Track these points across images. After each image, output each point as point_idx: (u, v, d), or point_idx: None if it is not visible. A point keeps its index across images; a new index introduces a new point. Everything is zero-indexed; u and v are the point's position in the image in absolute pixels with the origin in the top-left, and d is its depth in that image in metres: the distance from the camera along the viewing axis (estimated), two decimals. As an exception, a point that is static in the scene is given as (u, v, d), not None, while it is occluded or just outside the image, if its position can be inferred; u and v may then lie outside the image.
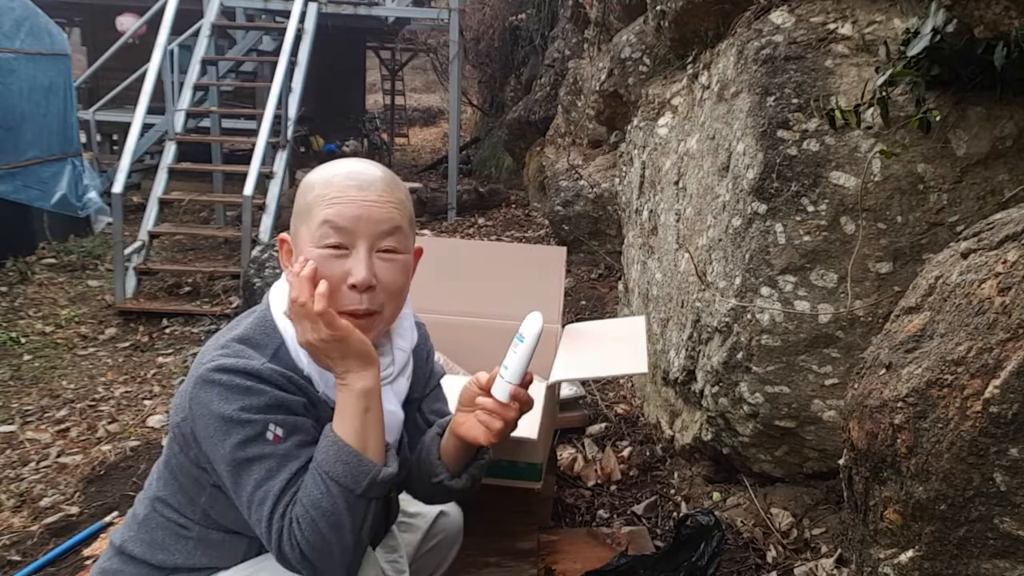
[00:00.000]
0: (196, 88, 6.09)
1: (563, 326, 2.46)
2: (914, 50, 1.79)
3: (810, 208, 1.96)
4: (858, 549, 1.51)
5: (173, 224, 5.77)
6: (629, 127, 3.43)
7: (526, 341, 1.24)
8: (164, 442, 1.28)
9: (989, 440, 1.19)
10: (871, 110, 1.90)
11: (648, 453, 2.63)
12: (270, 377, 1.11)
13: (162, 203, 5.20)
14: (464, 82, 9.04)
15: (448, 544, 1.55)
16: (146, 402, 3.36)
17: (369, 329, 1.16)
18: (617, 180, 3.87)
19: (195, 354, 3.93)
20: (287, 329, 1.16)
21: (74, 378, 3.63)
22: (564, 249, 2.84)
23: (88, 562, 2.12)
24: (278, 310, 1.19)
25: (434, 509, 1.52)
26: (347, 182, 1.14)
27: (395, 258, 1.16)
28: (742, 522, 2.13)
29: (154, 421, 3.15)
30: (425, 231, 6.49)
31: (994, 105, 1.85)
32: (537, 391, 2.01)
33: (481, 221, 7.06)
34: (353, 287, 1.12)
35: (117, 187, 4.81)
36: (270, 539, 1.08)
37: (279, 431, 1.09)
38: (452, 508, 1.56)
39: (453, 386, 2.04)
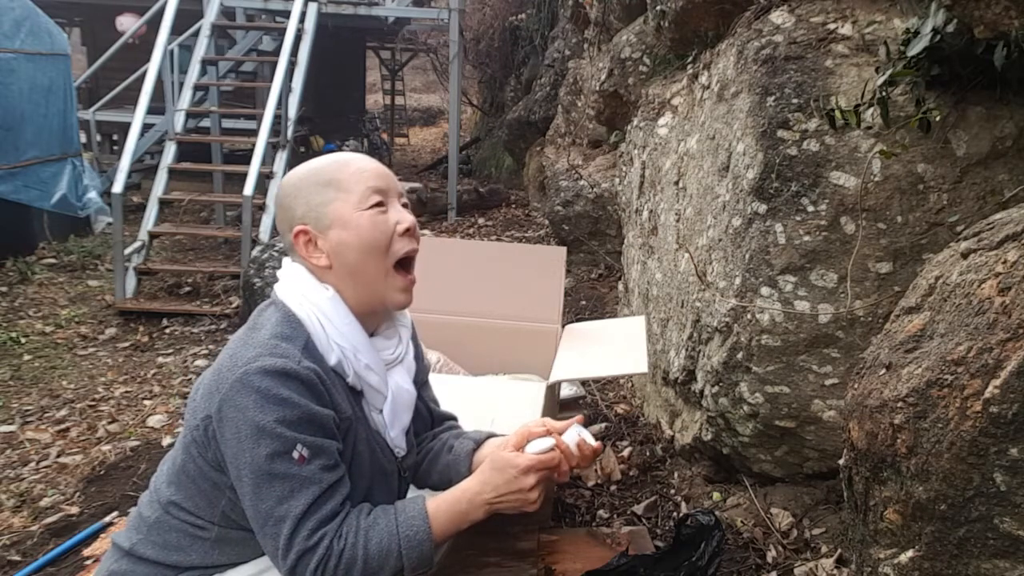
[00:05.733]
0: (196, 88, 6.09)
1: (563, 326, 2.46)
2: (914, 50, 1.79)
3: (810, 208, 1.96)
4: (858, 549, 1.51)
5: (173, 224, 5.76)
6: (629, 127, 3.44)
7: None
8: (176, 446, 1.27)
9: (989, 440, 1.19)
10: (871, 110, 1.90)
11: (648, 453, 2.63)
12: (307, 378, 1.14)
13: (162, 203, 5.19)
14: (464, 82, 9.03)
15: None
16: (146, 402, 3.36)
17: (414, 284, 1.31)
18: (617, 180, 3.87)
19: (195, 354, 3.93)
20: (308, 320, 1.22)
21: (74, 378, 3.63)
22: (564, 249, 2.84)
23: (88, 562, 2.11)
24: (295, 303, 1.23)
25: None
26: (355, 158, 1.29)
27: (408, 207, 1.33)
28: (742, 522, 2.13)
29: (154, 421, 3.15)
30: (425, 231, 6.49)
31: (994, 105, 1.85)
32: (537, 391, 2.01)
33: (481, 221, 7.06)
34: (407, 231, 1.27)
35: (117, 187, 4.81)
36: (286, 556, 1.12)
37: (305, 452, 1.13)
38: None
39: (451, 386, 2.05)
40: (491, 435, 1.44)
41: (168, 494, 1.23)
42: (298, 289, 1.24)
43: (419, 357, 1.47)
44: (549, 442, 1.22)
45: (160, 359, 3.90)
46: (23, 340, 4.06)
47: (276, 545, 1.12)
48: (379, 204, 1.25)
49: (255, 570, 1.23)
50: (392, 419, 1.33)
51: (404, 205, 1.30)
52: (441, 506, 1.20)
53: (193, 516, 1.22)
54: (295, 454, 1.11)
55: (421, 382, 1.48)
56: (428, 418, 1.52)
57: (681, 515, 2.17)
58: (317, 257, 1.24)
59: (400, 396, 1.33)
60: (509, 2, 8.97)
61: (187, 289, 4.96)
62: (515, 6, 8.95)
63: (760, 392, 2.03)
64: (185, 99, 5.84)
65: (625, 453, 2.65)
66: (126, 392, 3.47)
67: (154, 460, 2.75)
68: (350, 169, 1.26)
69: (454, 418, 1.58)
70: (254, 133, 5.50)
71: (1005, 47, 1.63)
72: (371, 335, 1.29)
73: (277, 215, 1.30)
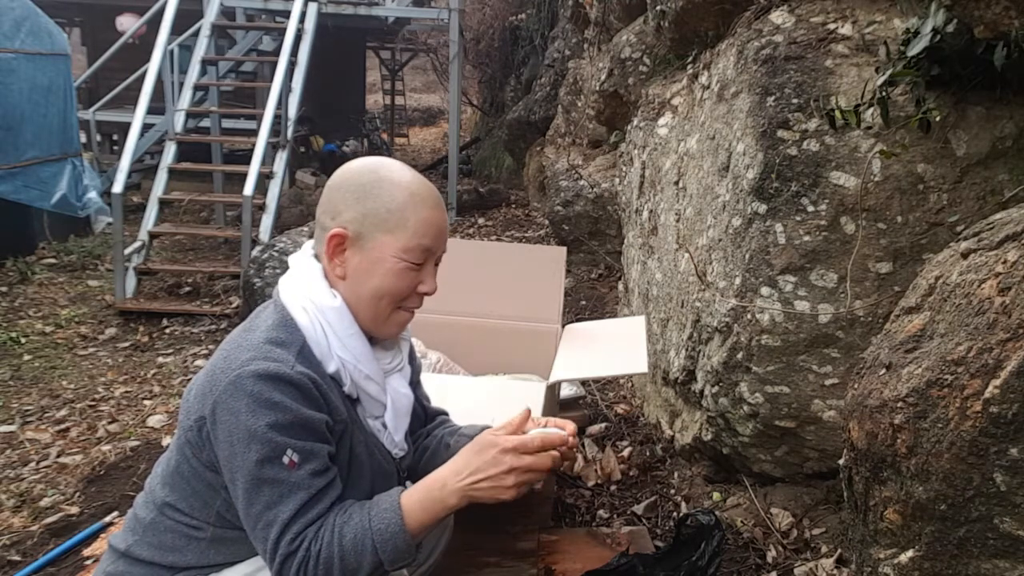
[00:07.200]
0: (196, 88, 6.09)
1: (563, 326, 2.46)
2: (914, 50, 1.79)
3: (810, 208, 1.96)
4: (858, 549, 1.51)
5: (173, 224, 5.76)
6: (629, 127, 3.44)
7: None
8: (170, 447, 1.27)
9: (989, 440, 1.19)
10: (871, 110, 1.90)
11: (648, 453, 2.63)
12: (300, 383, 1.14)
13: (162, 203, 5.19)
14: (464, 82, 9.03)
15: (442, 526, 1.56)
16: (146, 402, 3.36)
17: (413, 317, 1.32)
18: (617, 180, 3.87)
19: (195, 354, 3.93)
20: (307, 326, 1.21)
21: (74, 378, 3.63)
22: (564, 249, 2.84)
23: (88, 562, 2.12)
24: (295, 307, 1.22)
25: None
26: (432, 202, 1.25)
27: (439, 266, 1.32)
28: (742, 522, 2.13)
29: (154, 421, 3.15)
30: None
31: (994, 105, 1.85)
32: (537, 391, 2.01)
33: (481, 221, 7.06)
34: (423, 294, 1.27)
35: (117, 187, 4.81)
36: (273, 560, 1.13)
37: (295, 457, 1.13)
38: None
39: (451, 386, 2.05)
40: (486, 428, 1.45)
41: (163, 495, 1.24)
42: (304, 292, 1.23)
43: (412, 358, 1.48)
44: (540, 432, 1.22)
45: (160, 359, 3.90)
46: (23, 340, 4.06)
47: (265, 548, 1.13)
48: (419, 263, 1.24)
49: (251, 568, 1.23)
50: (395, 425, 1.33)
51: (437, 262, 1.29)
52: (414, 495, 1.18)
53: (188, 517, 1.22)
54: (285, 459, 1.11)
55: (415, 382, 1.49)
56: (422, 415, 1.53)
57: (681, 515, 2.17)
58: (337, 266, 1.24)
59: (399, 402, 1.34)
60: (509, 2, 8.96)
61: (187, 289, 4.96)
62: (515, 6, 8.95)
63: (760, 392, 2.03)
64: (185, 99, 5.84)
65: (625, 453, 2.65)
66: (126, 392, 3.47)
67: (154, 460, 2.73)
68: (420, 214, 1.22)
69: (445, 413, 1.60)
70: (254, 133, 5.49)
71: (1005, 47, 1.63)
72: (371, 340, 1.29)
73: (328, 194, 1.25)
